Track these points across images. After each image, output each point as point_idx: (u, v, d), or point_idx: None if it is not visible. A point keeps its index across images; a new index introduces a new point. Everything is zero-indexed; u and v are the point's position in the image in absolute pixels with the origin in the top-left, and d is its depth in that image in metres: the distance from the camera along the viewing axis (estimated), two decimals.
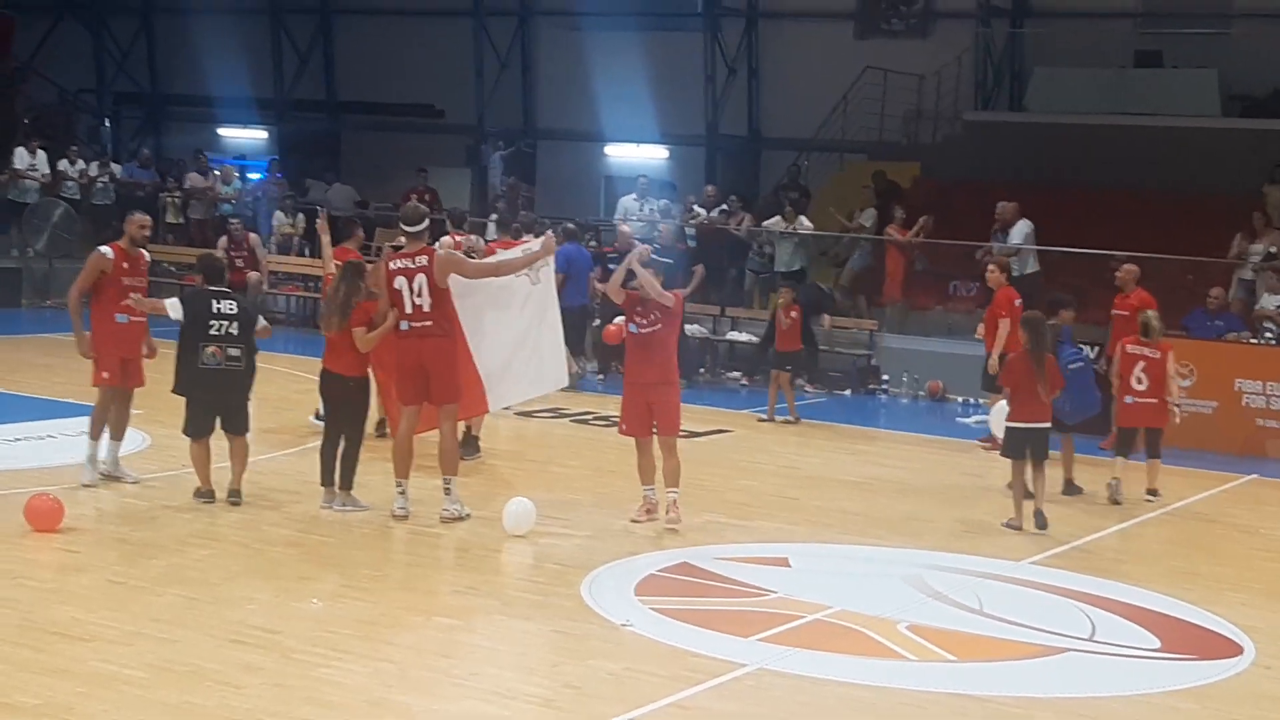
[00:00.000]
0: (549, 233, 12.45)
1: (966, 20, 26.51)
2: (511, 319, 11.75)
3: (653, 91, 27.50)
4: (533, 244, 12.02)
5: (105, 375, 11.64)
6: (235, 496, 11.26)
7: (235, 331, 11.18)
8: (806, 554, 11.08)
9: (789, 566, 10.70)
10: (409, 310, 11.03)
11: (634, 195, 23.44)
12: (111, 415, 11.72)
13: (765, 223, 22.14)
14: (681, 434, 15.79)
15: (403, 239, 11.66)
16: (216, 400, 11.23)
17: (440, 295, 11.09)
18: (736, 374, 20.95)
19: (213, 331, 11.12)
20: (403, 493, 11.21)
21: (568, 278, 16.53)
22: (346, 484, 11.40)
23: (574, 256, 18.18)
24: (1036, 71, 25.76)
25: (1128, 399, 13.88)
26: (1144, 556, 11.89)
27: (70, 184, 26.05)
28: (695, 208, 22.97)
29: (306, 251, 24.80)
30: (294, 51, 32.69)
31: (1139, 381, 13.86)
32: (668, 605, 9.40)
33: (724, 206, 23.01)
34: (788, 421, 16.95)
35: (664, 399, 11.46)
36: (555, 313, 12.01)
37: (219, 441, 11.40)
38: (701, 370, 20.88)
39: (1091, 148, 23.55)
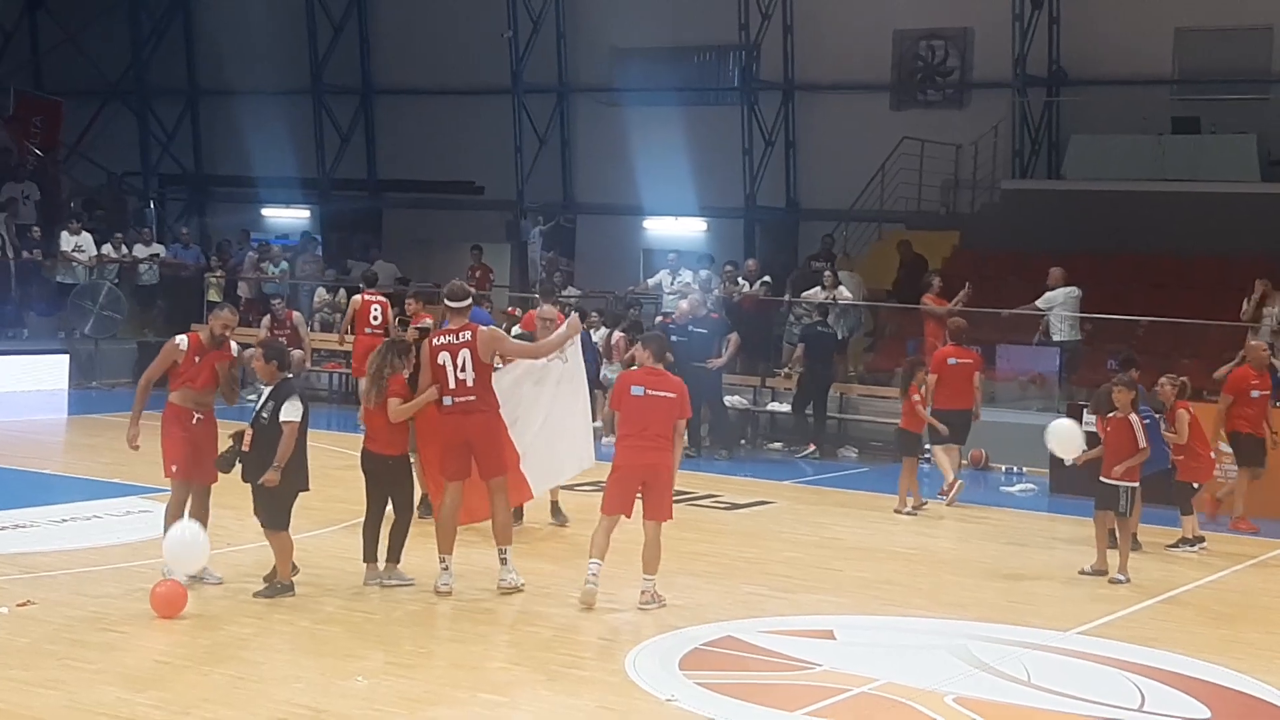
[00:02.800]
0: (574, 313, 12.58)
1: (1003, 89, 26.63)
2: (543, 398, 11.90)
3: (690, 165, 27.70)
4: (561, 327, 12.18)
5: (174, 469, 11.20)
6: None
7: None
8: (851, 626, 11.02)
9: (834, 639, 10.64)
10: (452, 385, 11.09)
11: (666, 270, 23.81)
12: (190, 511, 11.19)
13: (804, 293, 22.20)
14: (723, 506, 16.03)
15: (427, 319, 11.73)
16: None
17: (483, 370, 11.18)
18: (778, 444, 20.93)
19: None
20: (446, 568, 11.22)
21: None
22: (394, 556, 11.40)
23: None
24: (1074, 139, 25.81)
25: (1210, 454, 14.70)
26: (1192, 624, 11.76)
27: (115, 265, 26.37)
28: (740, 280, 23.09)
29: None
30: (336, 131, 33.10)
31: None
32: (712, 679, 9.36)
33: (766, 279, 23.12)
34: (921, 506, 16.09)
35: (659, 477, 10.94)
36: (585, 390, 12.15)
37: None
38: (742, 441, 20.88)
39: (1130, 214, 23.55)
